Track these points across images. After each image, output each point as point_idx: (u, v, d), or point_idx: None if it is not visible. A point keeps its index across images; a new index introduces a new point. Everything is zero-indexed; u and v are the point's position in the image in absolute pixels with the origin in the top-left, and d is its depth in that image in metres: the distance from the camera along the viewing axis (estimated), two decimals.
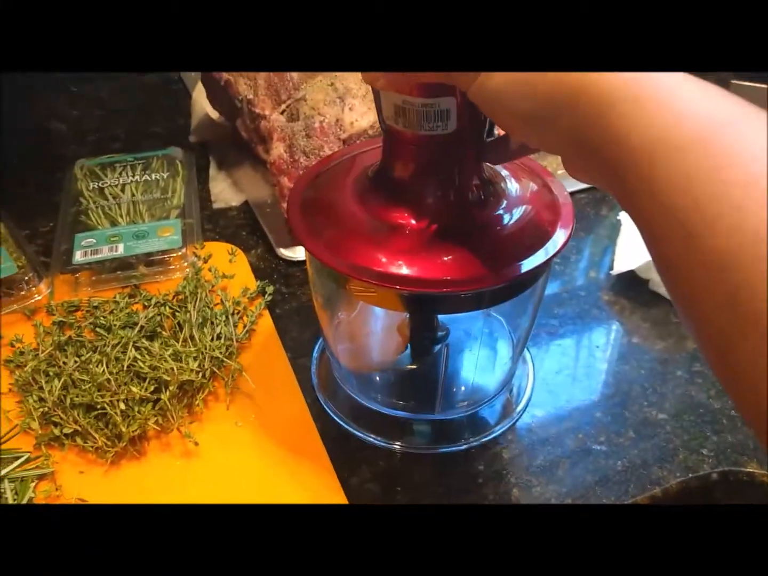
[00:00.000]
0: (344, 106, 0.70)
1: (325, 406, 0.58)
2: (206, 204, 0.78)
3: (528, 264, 0.45)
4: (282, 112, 0.72)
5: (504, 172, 0.50)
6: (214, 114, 0.90)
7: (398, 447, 0.55)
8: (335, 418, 0.57)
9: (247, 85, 0.76)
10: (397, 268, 0.44)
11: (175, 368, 0.54)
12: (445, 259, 0.45)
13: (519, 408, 0.58)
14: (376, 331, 0.62)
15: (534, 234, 0.47)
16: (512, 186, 0.50)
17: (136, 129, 0.91)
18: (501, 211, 0.48)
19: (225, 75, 0.79)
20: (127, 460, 0.53)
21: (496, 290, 0.46)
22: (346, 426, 0.57)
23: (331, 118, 0.69)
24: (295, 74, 0.73)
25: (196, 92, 0.93)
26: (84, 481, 0.52)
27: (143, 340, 0.57)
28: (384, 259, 0.45)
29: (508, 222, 0.47)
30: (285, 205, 0.70)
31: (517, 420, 0.57)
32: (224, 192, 0.80)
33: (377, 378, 0.59)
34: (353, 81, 0.71)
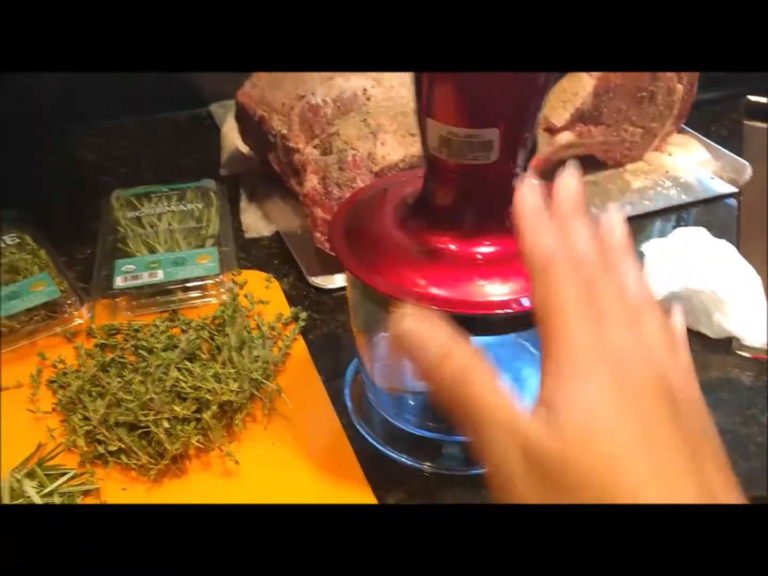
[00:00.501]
0: (376, 141, 0.73)
1: (359, 428, 0.59)
2: (238, 234, 0.81)
3: None
4: (315, 146, 0.75)
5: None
6: (244, 148, 0.93)
7: (431, 468, 0.56)
8: (369, 439, 0.58)
9: (281, 120, 0.79)
10: (438, 290, 0.46)
11: (217, 388, 0.56)
12: (483, 281, 0.47)
13: None
14: None
15: None
16: None
17: (167, 162, 0.94)
18: None
19: (259, 111, 0.82)
20: (169, 479, 0.55)
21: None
22: (380, 447, 0.58)
23: (363, 152, 0.72)
24: (328, 110, 0.75)
25: (226, 127, 0.96)
26: (127, 498, 0.53)
27: (184, 362, 0.59)
28: (425, 281, 0.47)
29: None
30: (318, 234, 0.72)
31: None
32: (255, 223, 0.83)
33: (411, 400, 0.60)
34: (385, 117, 0.74)
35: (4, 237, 0.74)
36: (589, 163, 0.91)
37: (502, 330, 0.52)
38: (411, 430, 0.58)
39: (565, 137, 0.83)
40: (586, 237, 0.36)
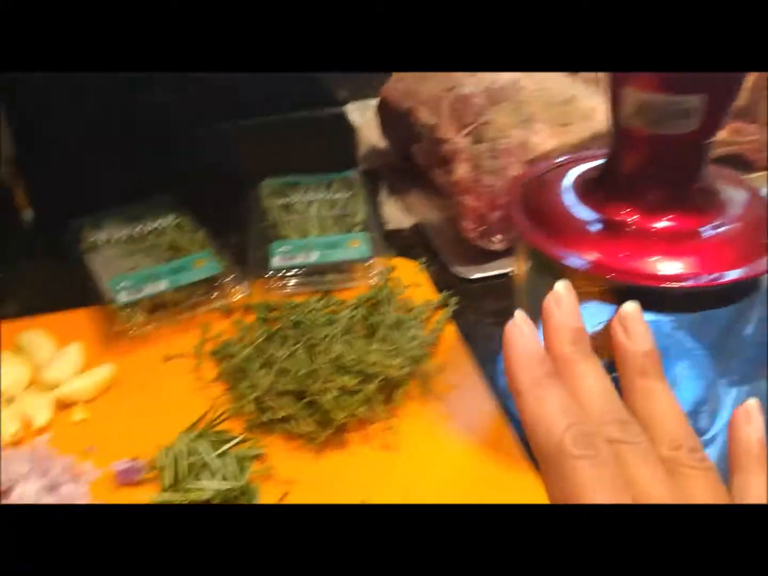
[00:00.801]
0: (530, 130, 0.72)
1: (514, 411, 0.58)
2: (379, 224, 0.82)
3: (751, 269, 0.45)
4: (466, 135, 0.75)
5: (722, 182, 0.50)
6: (381, 143, 0.95)
7: None
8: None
9: (429, 112, 0.80)
10: (619, 262, 0.46)
11: (383, 362, 0.56)
12: (664, 256, 0.46)
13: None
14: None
15: (750, 246, 0.48)
16: (729, 195, 0.50)
17: (308, 157, 0.96)
18: (717, 218, 0.48)
19: (405, 104, 0.83)
20: (331, 449, 0.55)
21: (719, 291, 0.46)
22: None
23: (516, 141, 0.72)
24: (479, 100, 0.76)
25: (364, 123, 0.98)
26: (292, 465, 0.54)
27: (348, 335, 0.60)
28: (607, 254, 0.46)
29: (726, 228, 0.48)
30: (467, 222, 0.72)
31: None
32: (395, 214, 0.84)
33: None
34: (538, 106, 0.74)
35: (165, 218, 0.77)
36: (737, 164, 0.88)
37: (675, 307, 0.50)
38: None
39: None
40: (597, 385, 0.30)
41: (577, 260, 0.47)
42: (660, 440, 0.29)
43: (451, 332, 0.66)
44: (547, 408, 0.28)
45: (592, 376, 0.30)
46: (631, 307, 0.33)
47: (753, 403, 0.32)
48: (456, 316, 0.68)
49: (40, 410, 0.57)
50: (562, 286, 0.33)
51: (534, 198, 0.53)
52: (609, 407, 0.29)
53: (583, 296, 0.52)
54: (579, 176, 0.52)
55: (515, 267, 0.58)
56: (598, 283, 0.48)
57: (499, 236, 0.73)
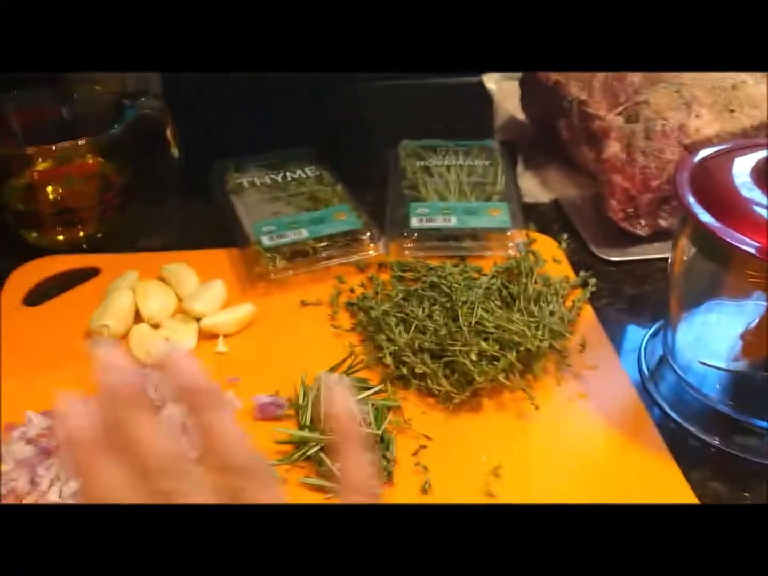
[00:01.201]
0: (690, 113, 0.69)
1: (656, 396, 0.57)
2: (517, 196, 0.80)
3: None
4: (619, 114, 0.73)
5: None
6: (520, 115, 0.93)
7: (720, 445, 0.53)
8: (667, 408, 0.56)
9: (578, 86, 0.77)
10: None
11: (527, 331, 0.56)
12: None
13: None
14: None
15: None
16: None
17: (442, 124, 0.96)
18: None
19: (554, 76, 0.81)
20: (466, 411, 0.55)
21: None
22: (677, 418, 0.55)
23: (674, 123, 0.69)
24: (636, 78, 0.73)
25: (501, 95, 0.97)
26: (426, 421, 0.54)
27: (488, 302, 0.59)
28: None
29: None
30: (614, 202, 0.70)
31: None
32: (533, 189, 0.82)
33: (720, 376, 0.57)
34: (701, 89, 0.71)
35: (305, 169, 0.78)
36: None
37: None
38: (716, 407, 0.55)
39: None
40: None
41: (752, 246, 0.45)
42: None
43: (588, 312, 0.65)
44: None
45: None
46: None
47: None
48: (591, 297, 0.66)
49: (186, 337, 0.59)
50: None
51: (704, 183, 0.51)
52: None
53: (751, 285, 0.51)
54: (757, 162, 0.50)
55: (673, 253, 0.56)
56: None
57: (644, 220, 0.71)
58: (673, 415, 0.56)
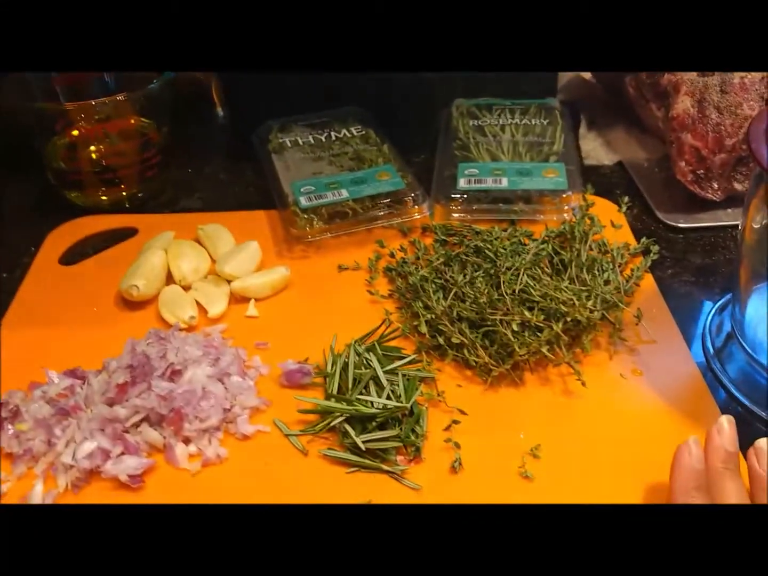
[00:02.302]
0: None
1: (722, 377, 0.51)
2: (577, 158, 0.75)
3: None
4: None
5: None
6: (586, 73, 0.87)
7: None
8: (733, 390, 0.50)
9: None
10: None
11: (575, 300, 0.51)
12: None
13: None
14: None
15: None
16: None
17: (505, 84, 0.90)
18: None
19: None
20: (506, 386, 0.51)
21: None
22: (744, 401, 0.50)
23: (755, 75, 0.62)
24: None
25: None
26: (462, 395, 0.50)
27: (534, 269, 0.55)
28: None
29: None
30: (682, 164, 0.64)
31: None
32: (595, 150, 0.76)
33: None
34: None
35: (351, 128, 0.74)
36: None
37: None
38: None
39: None
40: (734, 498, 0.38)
41: None
42: None
43: (649, 282, 0.59)
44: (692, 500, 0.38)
45: (734, 493, 0.39)
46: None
47: (724, 418, 0.42)
48: (654, 266, 0.61)
49: (217, 300, 0.57)
50: (725, 420, 0.42)
51: None
52: None
53: None
54: None
55: (744, 219, 0.50)
56: None
57: (717, 183, 0.64)
58: (740, 397, 0.50)
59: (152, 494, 0.45)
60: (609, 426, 0.48)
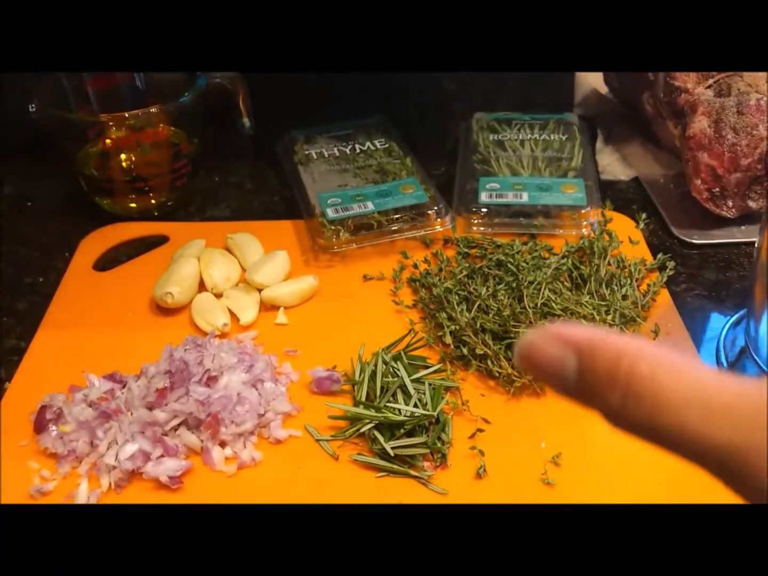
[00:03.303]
0: None
1: None
2: (594, 173, 0.77)
3: None
4: (709, 87, 0.68)
5: None
6: (602, 88, 0.89)
7: None
8: None
9: None
10: None
11: (596, 315, 0.53)
12: None
13: None
14: None
15: None
16: None
17: (521, 96, 0.92)
18: None
19: None
20: (527, 396, 0.53)
21: None
22: None
23: None
24: None
25: None
26: (485, 404, 0.52)
27: (556, 283, 0.57)
28: None
29: None
30: (698, 182, 0.66)
31: None
32: (612, 165, 0.78)
33: None
34: None
35: (374, 141, 0.77)
36: None
37: None
38: None
39: None
40: None
41: None
42: None
43: (664, 297, 0.61)
44: None
45: None
46: None
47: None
48: (669, 281, 0.63)
49: (248, 308, 0.59)
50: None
51: None
52: None
53: None
54: None
55: (761, 237, 0.52)
56: None
57: (732, 201, 0.66)
58: None
59: (190, 495, 0.47)
60: (627, 436, 0.50)
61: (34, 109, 0.67)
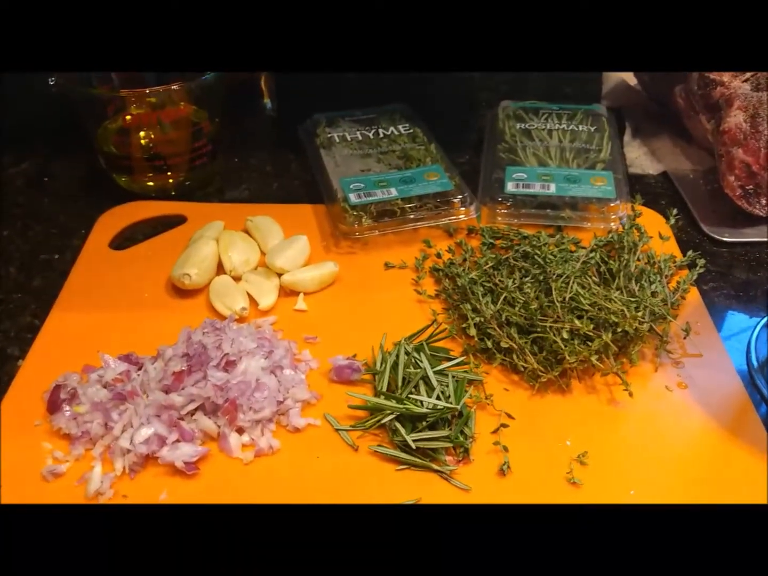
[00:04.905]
0: None
1: (765, 392, 0.52)
2: (623, 166, 0.75)
3: None
4: (746, 80, 0.66)
5: None
6: (631, 80, 0.87)
7: None
8: None
9: None
10: None
11: (626, 311, 0.51)
12: None
13: None
14: None
15: None
16: None
17: (546, 87, 0.90)
18: None
19: None
20: (552, 392, 0.52)
21: None
22: None
23: None
24: None
25: None
26: (509, 399, 0.51)
27: (584, 278, 0.55)
28: None
29: None
30: (732, 178, 0.64)
31: None
32: (640, 159, 0.77)
33: None
34: None
35: (398, 126, 0.75)
36: None
37: None
38: None
39: None
40: None
41: None
42: None
43: (694, 296, 0.60)
44: None
45: None
46: None
47: None
48: (702, 279, 0.61)
49: (267, 293, 0.58)
50: None
51: None
52: None
53: None
54: None
55: None
56: None
57: (765, 200, 0.64)
58: None
59: (206, 481, 0.45)
60: (654, 436, 0.49)
61: (53, 83, 0.65)
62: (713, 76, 0.68)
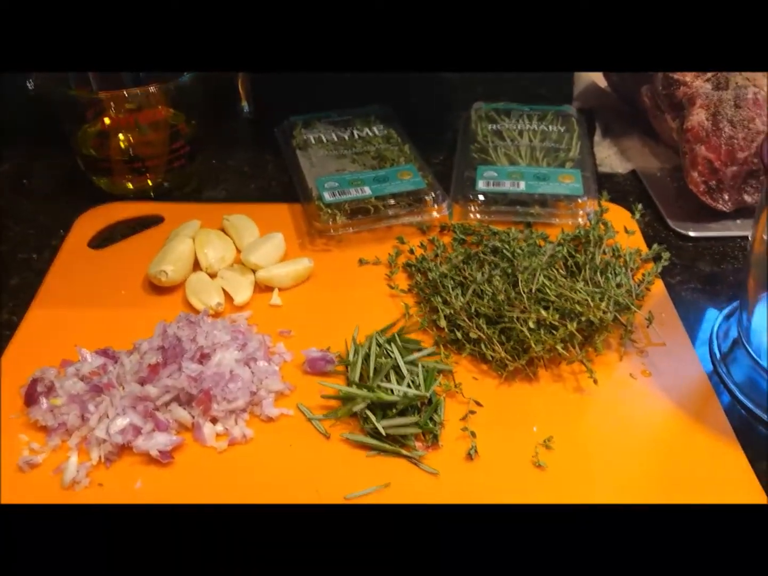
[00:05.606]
0: None
1: (727, 380, 0.53)
2: (591, 165, 0.77)
3: None
4: (707, 80, 0.68)
5: None
6: (601, 82, 0.89)
7: None
8: (738, 393, 0.52)
9: None
10: None
11: (590, 301, 0.53)
12: None
13: None
14: None
15: None
16: None
17: (523, 89, 0.92)
18: None
19: None
20: (520, 380, 0.53)
21: None
22: (748, 404, 0.52)
23: None
24: None
25: None
26: (478, 387, 0.52)
27: (550, 270, 0.57)
28: None
29: None
30: (695, 174, 0.66)
31: None
32: (610, 158, 0.79)
33: None
34: None
35: (373, 128, 0.77)
36: None
37: None
38: None
39: None
40: None
41: None
42: None
43: (659, 287, 0.61)
44: None
45: None
46: None
47: None
48: (664, 273, 0.63)
49: (242, 289, 0.59)
50: None
51: None
52: None
53: None
54: None
55: (754, 230, 0.52)
56: None
57: (728, 195, 0.66)
58: (744, 400, 0.52)
59: (180, 470, 0.47)
60: (618, 423, 0.50)
61: (32, 86, 0.66)
62: (677, 76, 0.70)
